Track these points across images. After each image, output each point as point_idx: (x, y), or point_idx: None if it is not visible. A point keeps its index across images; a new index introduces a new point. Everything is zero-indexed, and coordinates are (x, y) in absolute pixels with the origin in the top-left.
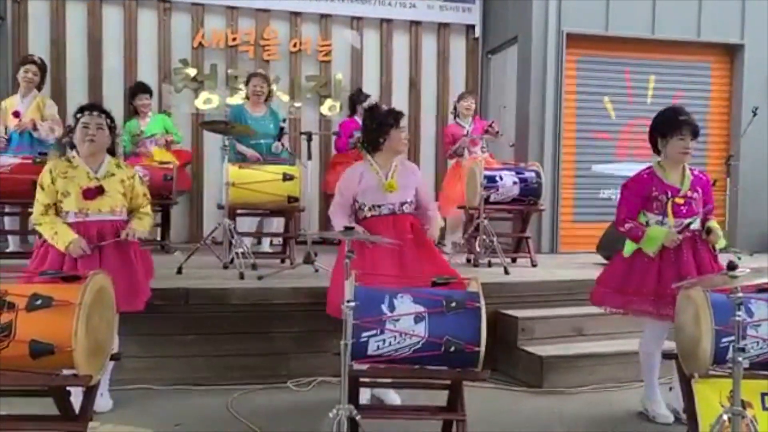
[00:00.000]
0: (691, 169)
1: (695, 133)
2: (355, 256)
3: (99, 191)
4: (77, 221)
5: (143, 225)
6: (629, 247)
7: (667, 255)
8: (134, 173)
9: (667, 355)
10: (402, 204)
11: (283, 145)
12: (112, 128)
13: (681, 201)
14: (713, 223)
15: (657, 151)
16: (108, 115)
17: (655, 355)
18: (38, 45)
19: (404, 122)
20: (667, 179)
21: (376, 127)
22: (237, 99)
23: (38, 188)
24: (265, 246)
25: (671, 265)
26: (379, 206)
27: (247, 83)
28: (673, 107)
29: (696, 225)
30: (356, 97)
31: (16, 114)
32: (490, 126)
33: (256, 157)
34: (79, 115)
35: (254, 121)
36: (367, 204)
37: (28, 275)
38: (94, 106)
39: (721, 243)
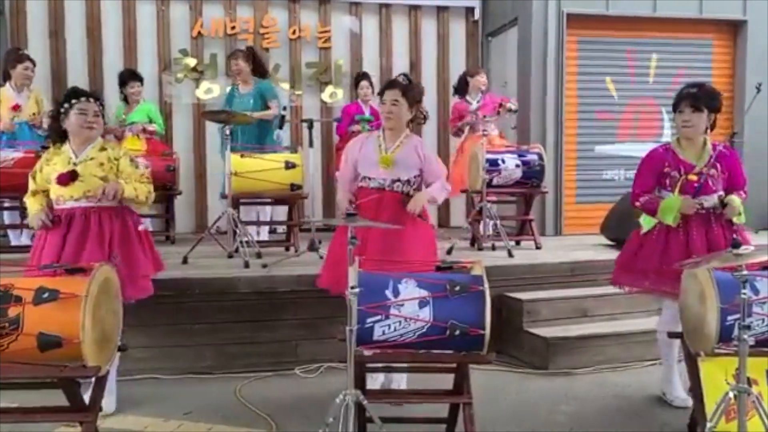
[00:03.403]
0: (714, 145)
1: (694, 106)
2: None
3: (71, 177)
4: (58, 208)
5: (129, 188)
6: (646, 223)
7: (676, 234)
8: (121, 154)
9: (672, 335)
10: (394, 182)
11: (281, 118)
12: (102, 115)
13: (694, 178)
14: (732, 197)
15: None
16: (101, 102)
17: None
18: (37, 38)
19: (391, 95)
20: (683, 155)
21: None
22: None
23: (31, 176)
24: (263, 234)
25: (680, 244)
26: (370, 179)
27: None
28: (687, 84)
29: (711, 203)
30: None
31: (16, 107)
32: (501, 106)
33: None
34: (73, 101)
35: (239, 98)
36: (362, 174)
37: (31, 268)
38: (88, 92)
39: (741, 218)
